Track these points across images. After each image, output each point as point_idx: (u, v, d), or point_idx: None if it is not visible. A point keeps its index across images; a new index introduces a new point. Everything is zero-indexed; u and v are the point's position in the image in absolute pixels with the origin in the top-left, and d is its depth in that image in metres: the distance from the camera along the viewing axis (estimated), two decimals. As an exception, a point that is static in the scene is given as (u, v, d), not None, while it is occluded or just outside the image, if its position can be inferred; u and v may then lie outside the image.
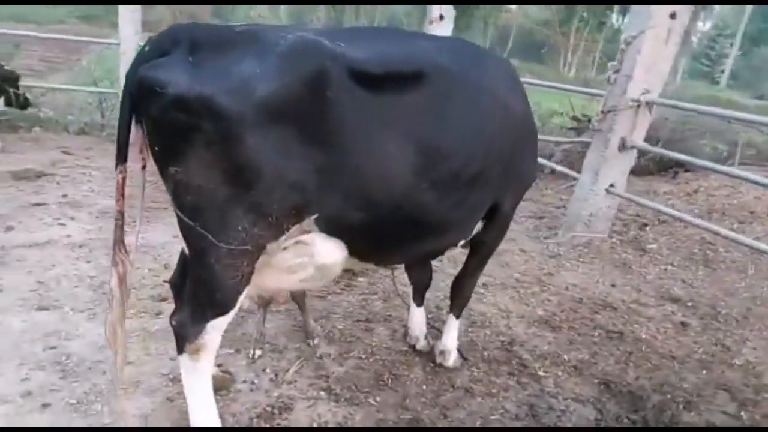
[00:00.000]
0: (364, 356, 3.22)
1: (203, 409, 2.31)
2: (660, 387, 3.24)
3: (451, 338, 3.19)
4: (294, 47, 2.00)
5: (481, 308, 3.95)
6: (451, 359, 3.18)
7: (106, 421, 2.51)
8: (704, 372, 3.44)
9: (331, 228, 2.25)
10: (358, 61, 2.08)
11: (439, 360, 3.19)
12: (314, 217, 2.18)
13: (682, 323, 4.01)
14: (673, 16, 4.73)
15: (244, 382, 2.90)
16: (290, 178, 2.04)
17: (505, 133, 2.57)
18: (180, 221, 2.06)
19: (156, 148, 1.98)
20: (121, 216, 2.15)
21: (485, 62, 2.59)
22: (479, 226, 2.85)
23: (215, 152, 1.94)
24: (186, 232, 2.08)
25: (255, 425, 2.60)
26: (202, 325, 2.18)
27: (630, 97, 4.87)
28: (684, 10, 4.76)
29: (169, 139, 1.94)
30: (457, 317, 3.19)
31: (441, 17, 8.48)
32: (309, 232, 2.23)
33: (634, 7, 4.85)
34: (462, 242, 2.79)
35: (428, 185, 2.26)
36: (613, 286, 4.56)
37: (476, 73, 2.47)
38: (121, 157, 2.05)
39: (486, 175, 2.47)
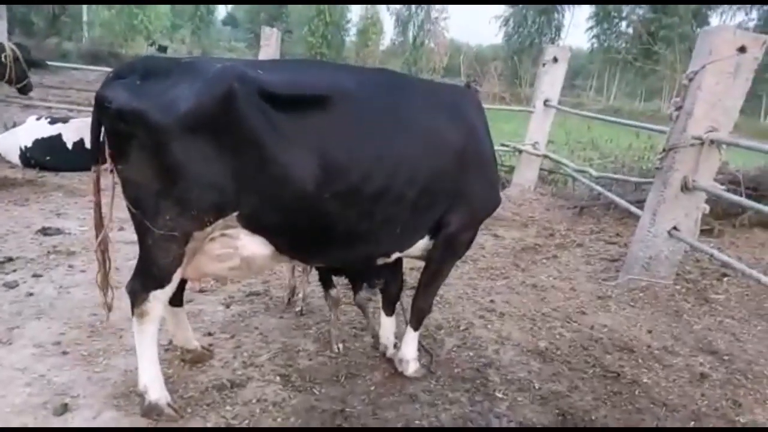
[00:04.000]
0: (334, 356, 3.53)
1: (146, 362, 2.82)
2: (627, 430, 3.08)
3: (409, 349, 3.37)
4: (214, 73, 2.50)
5: (480, 333, 4.02)
6: (410, 369, 3.35)
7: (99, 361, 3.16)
8: (692, 423, 3.17)
9: (251, 225, 2.68)
10: (268, 84, 2.51)
11: (399, 368, 3.39)
12: (235, 214, 2.62)
13: (702, 374, 3.67)
14: (742, 49, 4.43)
15: (221, 359, 3.39)
16: (207, 179, 2.52)
17: (430, 158, 2.80)
18: (128, 209, 2.64)
19: (109, 151, 2.59)
20: (97, 207, 2.80)
21: (413, 93, 2.87)
22: (426, 243, 3.06)
23: (147, 155, 2.49)
24: (132, 218, 2.65)
25: (207, 394, 3.05)
26: (145, 294, 2.72)
27: (691, 135, 4.60)
28: (755, 44, 4.42)
29: (116, 143, 2.54)
30: (415, 329, 3.35)
31: (555, 59, 8.52)
32: (233, 227, 2.68)
33: (698, 43, 4.61)
34: (396, 254, 3.02)
35: (330, 195, 2.59)
36: (649, 332, 4.27)
37: (392, 101, 2.76)
38: (94, 159, 2.70)
39: (398, 193, 2.71)
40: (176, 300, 3.16)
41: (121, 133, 2.49)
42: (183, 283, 3.09)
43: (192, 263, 2.76)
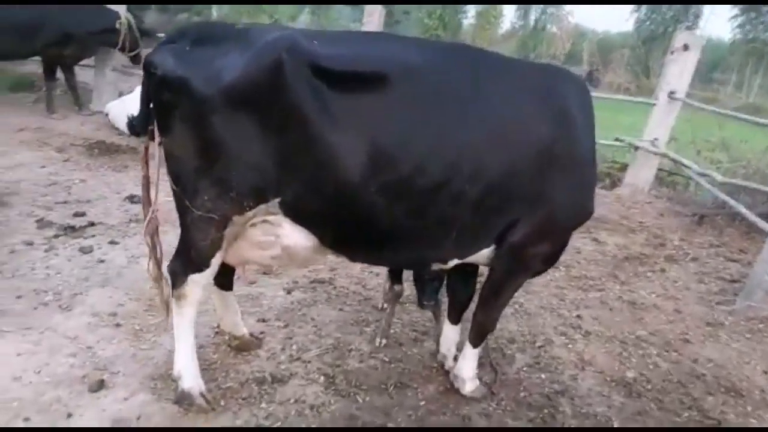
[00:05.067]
0: (388, 359, 3.24)
1: (183, 348, 2.69)
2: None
3: (467, 366, 2.99)
4: (266, 43, 2.25)
5: (559, 353, 3.55)
6: (467, 387, 2.99)
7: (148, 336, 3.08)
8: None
9: (293, 213, 2.43)
10: (321, 57, 2.22)
11: (455, 385, 3.03)
12: (277, 200, 2.38)
13: (829, 437, 3.00)
14: None
15: (268, 350, 3.20)
16: (249, 159, 2.29)
17: (503, 152, 2.39)
18: (170, 185, 2.47)
19: (155, 120, 2.43)
20: (146, 180, 2.66)
21: (493, 73, 2.46)
22: (490, 252, 2.66)
23: (188, 127, 2.31)
24: (173, 195, 2.48)
25: (246, 386, 2.87)
26: (185, 277, 2.57)
27: None
28: None
29: (160, 112, 2.37)
30: (474, 347, 2.96)
31: (686, 47, 7.60)
32: (275, 214, 2.44)
33: None
34: (455, 261, 2.64)
35: (377, 187, 2.27)
36: (765, 372, 3.60)
37: (465, 82, 2.36)
38: (143, 130, 2.55)
39: (458, 191, 2.34)
40: (226, 283, 3.02)
41: (164, 102, 2.33)
42: (231, 266, 2.93)
43: (233, 248, 2.57)
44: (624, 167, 8.48)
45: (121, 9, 7.84)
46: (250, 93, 2.22)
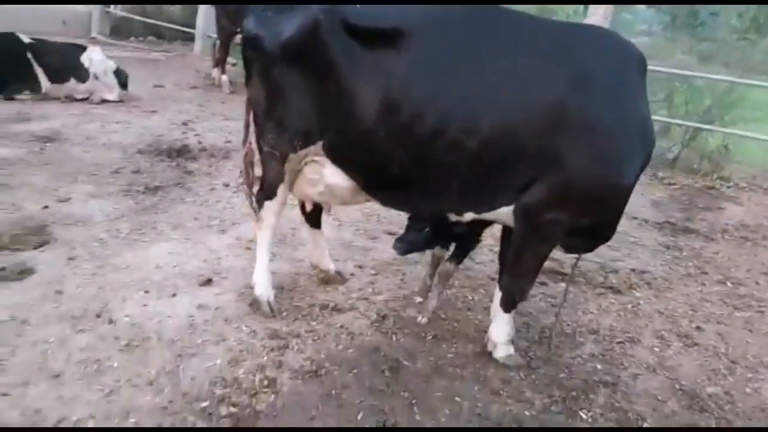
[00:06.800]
0: (444, 317, 3.43)
1: (260, 261, 3.32)
2: None
3: (498, 330, 3.03)
4: (312, 7, 2.73)
5: (638, 353, 3.30)
6: (499, 352, 3.03)
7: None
8: None
9: (333, 156, 2.87)
10: (351, 15, 2.65)
11: (488, 348, 3.09)
12: (320, 143, 2.85)
13: None
14: None
15: (348, 287, 3.66)
16: (298, 106, 2.82)
17: (503, 108, 2.50)
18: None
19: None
20: (246, 124, 3.30)
21: (521, 34, 2.58)
22: (509, 212, 2.70)
23: (259, 78, 2.93)
24: (255, 135, 3.12)
25: (311, 308, 3.37)
26: (262, 203, 3.20)
27: None
28: None
29: (245, 65, 3.02)
30: (505, 311, 2.98)
31: None
32: (321, 155, 2.90)
33: None
34: (470, 214, 2.77)
35: (384, 133, 2.58)
36: None
37: (479, 41, 2.52)
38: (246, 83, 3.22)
39: (453, 141, 2.51)
40: (313, 221, 3.56)
41: (247, 57, 2.97)
42: (319, 207, 3.46)
43: (296, 183, 3.10)
44: None
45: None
46: (297, 49, 2.72)
